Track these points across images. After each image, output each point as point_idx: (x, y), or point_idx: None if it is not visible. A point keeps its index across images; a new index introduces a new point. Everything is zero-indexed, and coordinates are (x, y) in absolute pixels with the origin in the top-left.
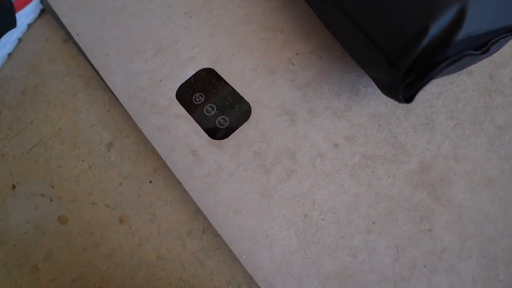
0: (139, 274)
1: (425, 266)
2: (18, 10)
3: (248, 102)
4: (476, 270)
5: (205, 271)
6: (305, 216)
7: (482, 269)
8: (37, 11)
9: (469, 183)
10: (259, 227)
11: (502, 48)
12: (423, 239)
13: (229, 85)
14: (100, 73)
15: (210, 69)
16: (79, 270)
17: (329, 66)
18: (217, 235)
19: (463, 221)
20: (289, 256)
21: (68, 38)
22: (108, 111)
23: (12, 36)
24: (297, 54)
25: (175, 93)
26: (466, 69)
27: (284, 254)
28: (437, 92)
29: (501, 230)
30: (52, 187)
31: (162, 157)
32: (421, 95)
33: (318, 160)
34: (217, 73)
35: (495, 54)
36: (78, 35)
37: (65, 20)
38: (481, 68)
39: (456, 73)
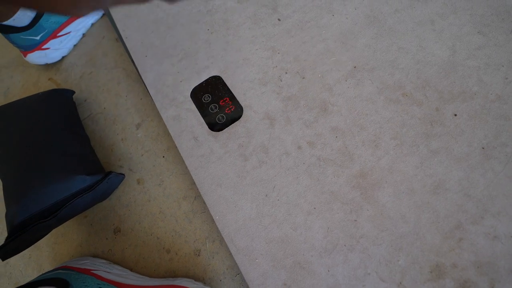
0: (145, 221)
1: (345, 245)
2: None
3: (242, 106)
4: (383, 254)
5: (192, 226)
6: (266, 195)
7: (388, 254)
8: (100, 14)
9: (395, 190)
10: (231, 198)
11: (452, 86)
12: (348, 226)
13: (231, 91)
14: (139, 69)
15: (219, 77)
16: (104, 212)
17: (309, 86)
18: (203, 201)
19: (383, 218)
20: (248, 222)
21: (119, 38)
22: (141, 99)
23: (78, 31)
24: (286, 73)
25: (190, 92)
26: (418, 100)
27: (245, 220)
28: (388, 116)
29: (411, 229)
30: (95, 150)
31: (173, 139)
32: (375, 118)
33: (284, 156)
34: (223, 80)
35: (445, 91)
36: (126, 37)
37: (118, 25)
38: (431, 101)
39: (408, 103)
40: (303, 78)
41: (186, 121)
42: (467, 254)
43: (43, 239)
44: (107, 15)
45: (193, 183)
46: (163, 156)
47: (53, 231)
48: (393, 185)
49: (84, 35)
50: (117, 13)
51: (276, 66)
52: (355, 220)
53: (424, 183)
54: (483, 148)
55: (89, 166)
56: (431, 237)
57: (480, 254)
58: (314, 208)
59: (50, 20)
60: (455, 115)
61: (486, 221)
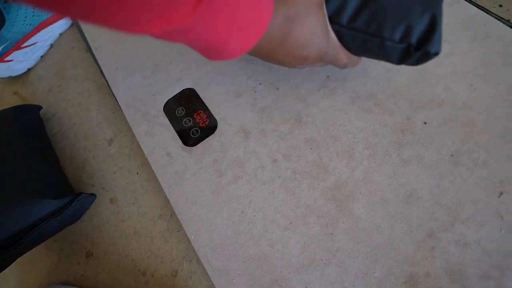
0: (119, 243)
1: (322, 260)
2: (54, 22)
3: (216, 119)
4: (359, 267)
5: (168, 246)
6: (242, 212)
7: (364, 267)
8: (69, 23)
9: (369, 201)
10: (206, 217)
11: (421, 94)
12: (324, 239)
13: (204, 103)
14: (109, 83)
15: (192, 89)
16: (75, 235)
17: (283, 97)
18: (179, 219)
19: (358, 230)
20: (224, 240)
21: (88, 49)
22: (113, 113)
23: (46, 42)
24: (260, 84)
25: (163, 106)
26: (390, 108)
27: (221, 238)
28: (361, 126)
29: (385, 240)
30: (64, 168)
31: (146, 155)
32: (349, 128)
33: (260, 170)
34: (196, 93)
35: (414, 100)
36: (96, 49)
37: (87, 35)
38: (402, 109)
39: (381, 113)
40: (277, 89)
41: (159, 136)
42: (439, 262)
43: (8, 268)
44: (75, 25)
45: (168, 200)
46: (137, 173)
47: (19, 258)
48: (367, 196)
49: (52, 45)
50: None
51: (251, 77)
52: (331, 234)
53: (397, 193)
54: (451, 155)
55: (57, 189)
56: (405, 247)
57: (451, 262)
58: (291, 223)
59: (12, 31)
60: (425, 123)
61: (456, 228)
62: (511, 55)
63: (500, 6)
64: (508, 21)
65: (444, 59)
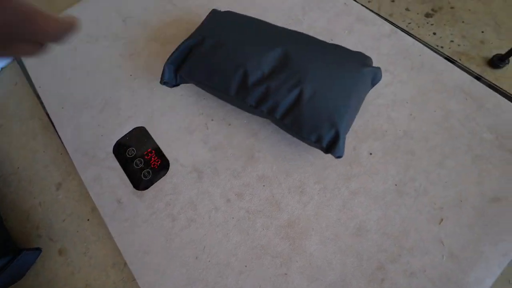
0: None
1: None
2: None
3: (168, 159)
4: None
5: None
6: (196, 258)
7: None
8: (11, 57)
9: (321, 237)
10: (159, 266)
11: (366, 125)
12: (279, 280)
13: (156, 143)
14: (54, 124)
15: (143, 127)
16: None
17: (235, 132)
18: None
19: (311, 268)
20: None
21: (31, 88)
22: (61, 154)
23: None
24: (212, 119)
25: (112, 147)
26: None
27: None
28: (311, 160)
29: (338, 276)
30: (5, 219)
31: (94, 202)
32: (299, 162)
33: (213, 212)
34: (147, 132)
35: (359, 131)
36: (40, 87)
37: (31, 72)
38: (348, 141)
39: None
40: (229, 124)
41: (107, 181)
42: None
43: None
44: (16, 60)
45: None
46: (88, 219)
47: None
48: (319, 232)
49: None
50: (29, 58)
51: (202, 113)
52: (286, 274)
53: (347, 226)
54: (396, 184)
55: None
56: (357, 282)
57: None
58: (245, 266)
59: None
60: (370, 154)
61: (402, 258)
62: (444, 83)
63: (434, 34)
64: (442, 47)
65: (385, 89)
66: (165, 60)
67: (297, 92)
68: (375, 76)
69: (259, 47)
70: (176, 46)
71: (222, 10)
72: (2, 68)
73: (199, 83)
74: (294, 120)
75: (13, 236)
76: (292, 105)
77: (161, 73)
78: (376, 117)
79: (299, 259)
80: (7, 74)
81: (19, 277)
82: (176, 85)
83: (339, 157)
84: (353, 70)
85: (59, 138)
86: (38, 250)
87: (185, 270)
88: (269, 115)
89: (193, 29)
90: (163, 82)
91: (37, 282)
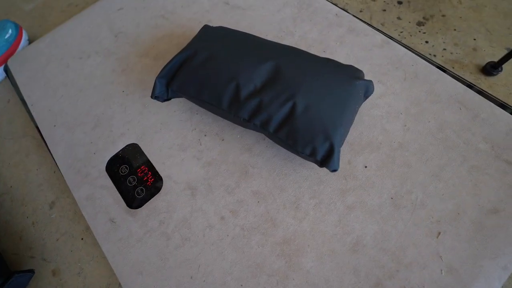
0: None
1: None
2: None
3: (161, 177)
4: None
5: None
6: (191, 277)
7: None
8: (4, 75)
9: (318, 253)
10: (154, 286)
11: (360, 137)
12: None
13: (149, 160)
14: (47, 142)
15: (136, 144)
16: None
17: (229, 148)
18: None
19: (309, 286)
20: None
21: (23, 106)
22: (54, 172)
23: None
24: (205, 135)
25: (105, 165)
26: None
27: None
28: (306, 174)
29: None
30: None
31: (87, 222)
32: (294, 177)
33: (208, 230)
34: (140, 149)
35: (354, 143)
36: (32, 105)
37: (22, 90)
38: (343, 154)
39: None
40: (223, 139)
41: (100, 200)
42: None
43: None
44: (8, 77)
45: None
46: (82, 238)
47: None
48: (316, 248)
49: None
50: (20, 75)
51: (195, 129)
52: None
53: (343, 242)
54: (392, 198)
55: None
56: None
57: None
58: (241, 286)
59: None
60: (366, 166)
61: (401, 274)
62: (438, 93)
63: (427, 42)
64: (435, 55)
65: (379, 100)
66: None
67: (290, 105)
68: (367, 89)
69: (251, 61)
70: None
71: (214, 23)
72: None
73: (191, 97)
74: (288, 134)
75: (6, 258)
76: (285, 119)
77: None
78: (371, 128)
79: (296, 277)
80: (0, 92)
81: None
82: (168, 99)
83: (334, 170)
84: (345, 83)
85: (52, 156)
86: (31, 272)
87: None
88: (263, 128)
89: (185, 43)
90: (154, 96)
91: None
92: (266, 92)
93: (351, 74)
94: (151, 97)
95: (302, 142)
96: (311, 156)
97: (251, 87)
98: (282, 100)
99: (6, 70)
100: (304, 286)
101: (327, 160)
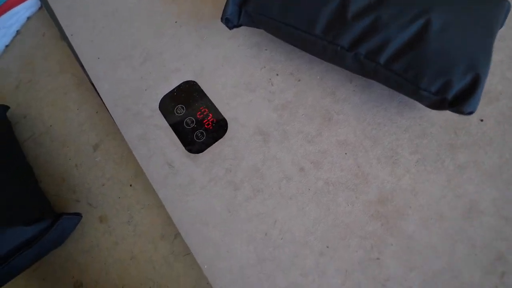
0: (112, 270)
1: None
2: (20, 3)
3: (225, 119)
4: None
5: (173, 273)
6: (265, 234)
7: None
8: (38, 4)
9: (422, 217)
10: (222, 240)
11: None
12: (371, 266)
13: (210, 100)
14: (90, 76)
15: (193, 82)
16: (59, 261)
17: (306, 90)
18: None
19: (411, 253)
20: (246, 270)
21: (62, 36)
22: (97, 112)
23: (11, 28)
24: (277, 74)
25: (158, 103)
26: None
27: (242, 268)
28: (405, 125)
29: (445, 265)
30: (40, 181)
31: (140, 165)
32: (390, 127)
33: (284, 182)
34: (199, 87)
35: None
36: (72, 35)
37: (60, 19)
38: None
39: (427, 109)
40: (299, 80)
41: (155, 141)
42: None
43: None
44: (45, 7)
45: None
46: (131, 185)
47: None
48: (419, 211)
49: (18, 32)
50: (58, 4)
51: (265, 67)
52: (378, 259)
53: (453, 206)
54: None
55: (30, 211)
56: (469, 273)
57: None
58: (327, 247)
59: None
60: (481, 120)
61: None
62: None
63: None
64: None
65: (500, 43)
66: (216, 3)
67: (421, 24)
68: (507, 12)
69: None
70: None
71: None
72: (28, 18)
73: (269, 22)
74: (410, 64)
75: (49, 199)
76: (410, 42)
77: (211, 20)
78: (489, 76)
79: (395, 241)
80: (34, 24)
81: (58, 243)
82: (237, 25)
83: (470, 113)
84: (486, 1)
85: (96, 92)
86: (78, 215)
87: (253, 248)
88: (368, 59)
89: None
90: (224, 18)
91: (77, 250)
92: (385, 8)
93: None
94: (221, 19)
95: (430, 74)
96: (438, 94)
97: (363, 1)
98: (409, 18)
99: None
100: (405, 253)
101: (464, 98)
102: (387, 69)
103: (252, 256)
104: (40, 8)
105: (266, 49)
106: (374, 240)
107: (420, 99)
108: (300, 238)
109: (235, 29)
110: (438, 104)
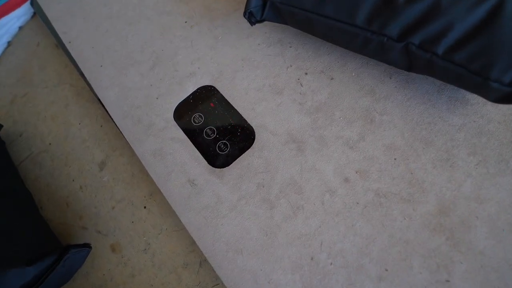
0: None
1: None
2: (10, 12)
3: (251, 127)
4: None
5: None
6: (312, 259)
7: None
8: (30, 13)
9: (492, 228)
10: (261, 270)
11: None
12: None
13: (232, 106)
14: (92, 86)
15: (211, 86)
16: None
17: (342, 89)
18: (213, 267)
19: (485, 272)
20: None
21: (59, 44)
22: (101, 126)
23: (1, 39)
24: (306, 73)
25: (173, 113)
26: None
27: None
28: (459, 123)
29: None
30: (41, 208)
31: (156, 184)
32: (442, 126)
33: (327, 196)
34: (218, 92)
35: None
36: (70, 42)
37: (56, 26)
38: None
39: (481, 103)
40: (332, 79)
41: (172, 157)
42: None
43: None
44: (38, 14)
45: (194, 242)
46: (145, 207)
47: None
48: (488, 221)
49: (9, 43)
50: (52, 9)
51: (291, 65)
52: (448, 281)
53: None
54: None
55: (32, 246)
56: None
57: None
58: (386, 270)
59: None
60: None
61: None
62: None
63: None
64: None
65: None
66: (229, 2)
67: (490, 4)
68: None
69: None
70: None
71: None
72: (20, 28)
73: (299, 14)
74: (476, 52)
75: (52, 228)
76: (477, 28)
77: (226, 18)
78: None
79: (464, 259)
80: (27, 34)
81: (66, 280)
82: (260, 20)
83: None
84: None
85: (100, 103)
86: (87, 246)
87: (299, 276)
88: (422, 50)
89: None
90: (247, 12)
91: (88, 285)
92: None
93: None
94: (244, 14)
95: (502, 63)
96: (509, 85)
97: None
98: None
99: (33, 3)
100: (479, 272)
101: None
102: (445, 60)
103: (298, 286)
104: (33, 17)
105: (290, 46)
106: (439, 258)
107: (486, 92)
108: (353, 262)
109: (250, 28)
110: (508, 96)
